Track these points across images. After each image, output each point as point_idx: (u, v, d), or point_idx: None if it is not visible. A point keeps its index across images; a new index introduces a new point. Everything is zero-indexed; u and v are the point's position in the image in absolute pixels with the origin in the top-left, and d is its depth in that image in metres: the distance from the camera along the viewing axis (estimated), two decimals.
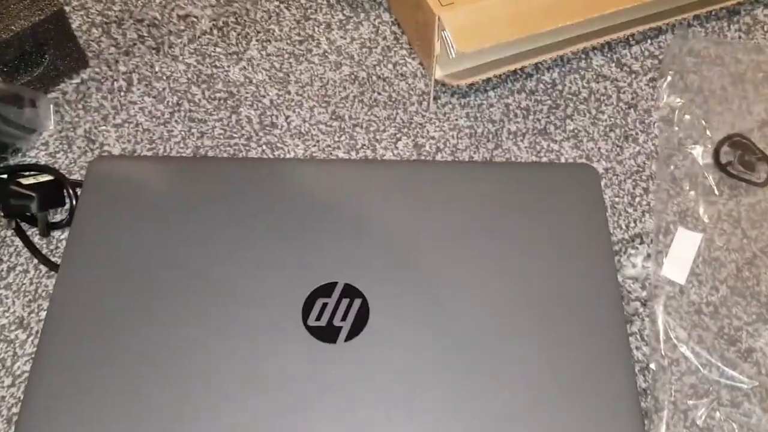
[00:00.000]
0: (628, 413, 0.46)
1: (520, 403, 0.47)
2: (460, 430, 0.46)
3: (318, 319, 0.49)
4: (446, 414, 0.46)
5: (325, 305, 0.50)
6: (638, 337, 0.53)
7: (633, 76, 0.65)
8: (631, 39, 0.67)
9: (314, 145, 0.62)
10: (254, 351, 0.48)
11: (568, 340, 0.49)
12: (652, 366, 0.52)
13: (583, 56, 0.66)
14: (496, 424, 0.46)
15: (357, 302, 0.50)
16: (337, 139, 0.62)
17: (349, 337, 0.49)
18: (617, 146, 0.61)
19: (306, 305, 0.50)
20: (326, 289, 0.50)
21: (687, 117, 0.62)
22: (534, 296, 0.51)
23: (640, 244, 0.57)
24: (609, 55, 0.66)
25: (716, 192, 0.58)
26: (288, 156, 0.62)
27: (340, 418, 0.46)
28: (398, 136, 0.62)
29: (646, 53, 0.66)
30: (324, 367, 0.48)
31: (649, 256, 0.56)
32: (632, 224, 0.58)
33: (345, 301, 0.50)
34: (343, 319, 0.49)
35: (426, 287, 0.51)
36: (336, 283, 0.51)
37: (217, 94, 0.64)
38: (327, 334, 0.49)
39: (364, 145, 0.62)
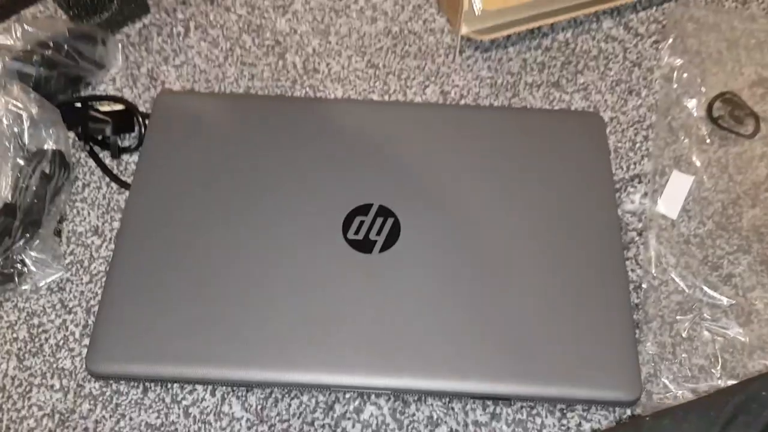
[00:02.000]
0: (621, 321, 0.54)
1: (529, 311, 0.54)
2: (476, 332, 0.53)
3: (356, 233, 0.57)
4: (464, 316, 0.54)
5: (362, 222, 0.57)
6: (633, 261, 0.61)
7: (638, 38, 0.72)
8: (638, 5, 0.74)
9: (351, 89, 0.69)
10: (302, 258, 0.56)
11: (574, 259, 0.57)
12: (644, 285, 0.59)
13: (595, 19, 0.73)
14: (507, 327, 0.54)
15: (390, 221, 0.58)
16: (372, 84, 0.69)
17: (382, 249, 0.56)
18: (622, 99, 0.68)
19: (346, 221, 0.57)
20: (363, 209, 0.58)
21: (685, 75, 0.69)
22: (545, 222, 0.58)
23: (639, 183, 0.64)
24: (617, 19, 0.73)
25: (708, 141, 0.66)
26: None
27: (372, 314, 0.54)
28: (426, 83, 0.69)
29: (651, 18, 0.74)
30: (360, 273, 0.56)
31: (645, 194, 0.64)
32: (632, 166, 0.65)
33: (379, 220, 0.58)
34: (378, 234, 0.57)
35: (449, 211, 0.59)
36: (372, 204, 0.58)
37: (266, 42, 0.72)
38: (364, 245, 0.56)
39: (396, 90, 0.69)
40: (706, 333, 0.57)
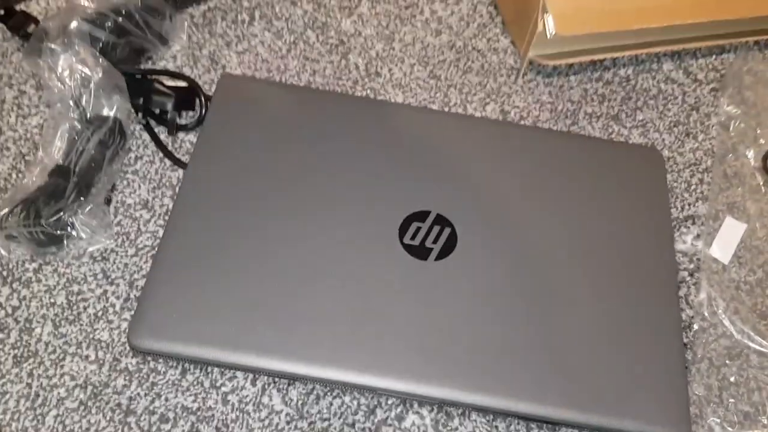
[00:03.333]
0: (673, 357, 0.53)
1: (581, 337, 0.54)
2: (527, 351, 0.52)
3: (412, 239, 0.56)
4: (515, 334, 0.53)
5: (418, 228, 0.57)
6: (684, 301, 0.60)
7: (697, 83, 0.73)
8: (698, 52, 0.75)
9: (412, 97, 0.69)
10: (356, 256, 0.55)
11: (628, 291, 0.56)
12: (695, 326, 0.59)
13: (656, 60, 0.74)
14: (559, 352, 0.53)
15: (447, 230, 0.57)
16: (432, 95, 0.69)
17: (438, 258, 0.55)
18: (679, 140, 0.69)
19: (402, 226, 0.56)
20: (421, 216, 0.57)
21: (741, 125, 0.70)
22: (601, 251, 0.58)
23: (692, 224, 0.64)
24: (677, 63, 0.74)
25: (762, 191, 0.66)
26: None
27: (423, 321, 0.53)
28: (487, 101, 0.69)
29: (710, 66, 0.74)
30: (414, 278, 0.55)
31: (698, 235, 0.63)
32: (687, 207, 0.65)
33: (436, 228, 0.57)
34: (434, 242, 0.56)
35: (507, 227, 0.58)
36: (429, 211, 0.57)
37: (330, 40, 0.71)
38: (420, 252, 0.55)
39: (456, 103, 0.69)
40: (752, 381, 0.57)
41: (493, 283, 0.55)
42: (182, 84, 0.64)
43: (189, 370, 0.53)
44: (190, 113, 0.64)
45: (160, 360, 0.53)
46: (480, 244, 0.57)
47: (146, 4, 0.63)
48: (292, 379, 0.53)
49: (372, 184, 0.59)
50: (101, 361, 0.53)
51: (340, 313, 0.52)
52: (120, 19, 0.61)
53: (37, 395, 0.51)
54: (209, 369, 0.53)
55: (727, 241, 0.63)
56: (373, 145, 0.61)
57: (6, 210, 0.54)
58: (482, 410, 0.53)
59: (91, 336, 0.54)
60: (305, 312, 0.52)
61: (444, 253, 0.56)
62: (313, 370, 0.51)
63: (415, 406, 0.54)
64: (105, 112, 0.59)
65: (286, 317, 0.52)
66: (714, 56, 0.75)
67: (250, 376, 0.53)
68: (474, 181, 0.60)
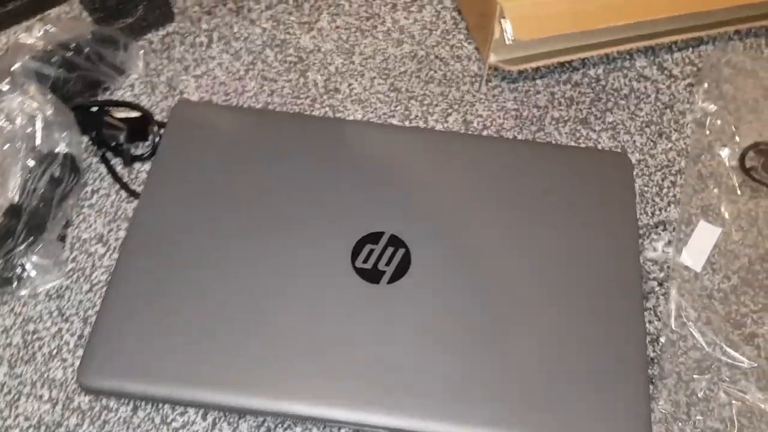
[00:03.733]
0: (635, 375, 0.51)
1: (538, 357, 0.52)
2: (480, 376, 0.51)
3: (365, 261, 0.55)
4: (469, 358, 0.52)
5: (371, 251, 0.55)
6: (652, 312, 0.58)
7: (672, 79, 0.70)
8: (674, 46, 0.72)
9: (372, 112, 0.67)
10: (307, 284, 0.54)
11: (590, 305, 0.54)
12: (662, 339, 0.57)
13: (628, 57, 0.71)
14: (516, 372, 0.51)
15: (400, 252, 0.55)
16: (393, 108, 0.68)
17: (391, 281, 0.54)
18: (651, 141, 0.66)
19: (355, 249, 0.55)
20: (374, 237, 0.56)
21: (718, 122, 0.67)
22: (562, 265, 0.56)
23: (663, 230, 0.62)
24: (652, 59, 0.71)
25: (738, 192, 0.63)
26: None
27: (376, 348, 0.52)
28: (449, 111, 0.68)
29: (686, 60, 0.71)
30: (367, 303, 0.53)
31: (670, 242, 0.61)
32: (657, 212, 0.63)
33: (390, 249, 0.56)
34: (387, 264, 0.55)
35: (463, 245, 0.56)
36: (383, 233, 0.56)
37: (288, 58, 0.70)
38: (372, 275, 0.54)
39: (417, 116, 0.67)
40: (723, 395, 0.54)
41: (447, 305, 0.54)
42: (135, 114, 0.63)
43: (140, 406, 0.53)
44: (148, 143, 0.64)
45: (112, 397, 0.53)
46: (434, 265, 0.55)
47: (98, 37, 0.63)
48: (242, 413, 0.53)
49: (326, 207, 0.58)
50: (54, 401, 0.53)
51: (290, 343, 0.52)
52: (69, 54, 0.61)
53: None
54: (160, 405, 0.53)
55: (699, 247, 0.61)
56: (328, 165, 0.60)
57: None
58: None
59: (45, 375, 0.54)
60: (253, 343, 0.52)
61: (397, 275, 0.55)
62: (262, 402, 0.50)
63: None
64: (57, 148, 0.59)
65: (234, 349, 0.51)
66: (691, 49, 0.72)
67: (201, 411, 0.53)
68: (429, 199, 0.59)
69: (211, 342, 0.51)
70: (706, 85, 0.69)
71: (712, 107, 0.68)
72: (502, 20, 0.64)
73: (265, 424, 0.53)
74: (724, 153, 0.65)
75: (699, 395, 0.55)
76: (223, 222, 0.57)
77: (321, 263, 0.55)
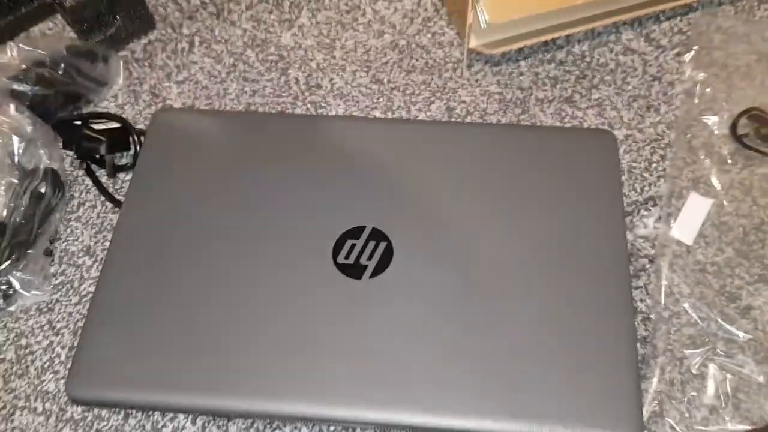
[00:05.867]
0: (625, 355, 0.50)
1: (526, 343, 0.51)
2: (470, 362, 0.51)
3: (347, 257, 0.55)
4: (456, 347, 0.51)
5: (353, 246, 0.55)
6: (643, 290, 0.57)
7: (660, 50, 0.68)
8: (661, 15, 0.70)
9: (354, 105, 0.67)
10: (290, 283, 0.54)
11: (576, 286, 0.53)
12: (653, 316, 0.55)
13: (614, 30, 0.69)
14: (502, 359, 0.50)
15: (382, 245, 0.55)
16: (375, 100, 0.67)
17: (373, 275, 0.54)
18: (639, 115, 0.65)
19: (336, 245, 0.55)
20: (355, 232, 0.56)
21: (708, 90, 0.65)
22: (548, 248, 0.55)
23: (653, 206, 0.60)
24: (639, 30, 0.69)
25: (730, 161, 0.61)
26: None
27: (360, 344, 0.51)
28: (432, 99, 0.67)
29: (675, 29, 0.69)
30: (350, 299, 0.53)
31: (660, 218, 0.60)
32: (647, 188, 0.61)
33: (372, 243, 0.55)
34: (369, 258, 0.55)
35: (446, 234, 0.56)
36: (364, 227, 0.56)
37: (269, 57, 0.70)
38: (354, 271, 0.54)
39: (400, 106, 0.67)
40: (718, 370, 0.53)
41: (431, 296, 0.53)
42: (115, 125, 0.64)
43: (131, 414, 0.54)
44: (130, 152, 0.64)
45: (103, 407, 0.54)
46: (417, 257, 0.55)
47: (74, 51, 0.64)
48: (231, 415, 0.53)
49: (307, 204, 0.58)
50: (48, 413, 0.54)
51: (274, 342, 0.52)
52: (45, 71, 0.62)
53: None
54: (150, 412, 0.54)
55: (690, 220, 0.59)
56: (309, 163, 0.60)
57: None
58: (425, 431, 0.52)
59: (38, 388, 0.55)
60: (238, 345, 0.52)
61: (379, 269, 0.54)
62: (249, 404, 0.50)
63: (358, 431, 0.53)
64: (40, 164, 0.60)
65: (219, 353, 0.51)
66: (679, 18, 0.70)
67: (191, 415, 0.54)
68: (411, 190, 0.58)
69: (196, 346, 0.52)
70: (694, 52, 0.67)
71: (702, 75, 0.66)
72: (476, 4, 0.63)
73: (254, 426, 0.53)
74: (714, 121, 0.63)
75: (693, 371, 0.53)
76: (204, 225, 0.57)
77: (302, 262, 0.55)
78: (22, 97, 0.61)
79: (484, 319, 0.52)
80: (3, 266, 0.55)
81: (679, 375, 0.53)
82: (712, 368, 0.53)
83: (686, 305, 0.56)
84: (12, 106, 0.59)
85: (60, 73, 0.63)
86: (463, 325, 0.52)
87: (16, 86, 0.60)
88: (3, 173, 0.58)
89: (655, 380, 0.53)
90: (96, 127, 0.63)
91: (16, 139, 0.58)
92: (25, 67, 0.61)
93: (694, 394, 0.52)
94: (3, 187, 0.58)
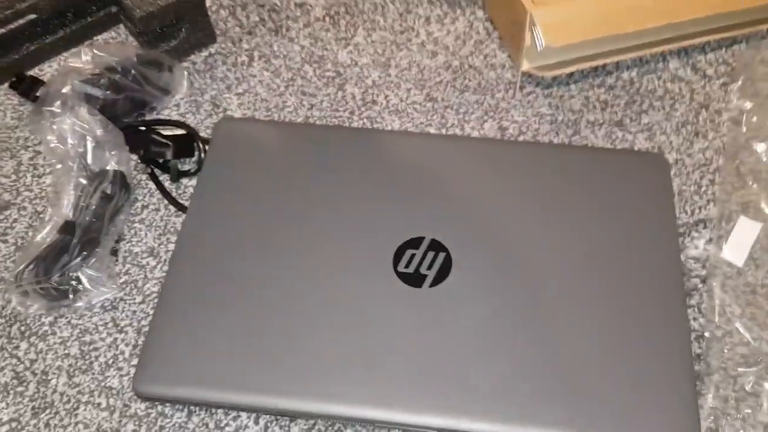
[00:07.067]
0: (681, 371, 0.51)
1: (583, 356, 0.52)
2: (528, 373, 0.52)
3: (407, 266, 0.56)
4: (514, 358, 0.52)
5: (413, 255, 0.57)
6: (696, 309, 0.58)
7: (706, 79, 0.70)
8: (706, 46, 0.72)
9: (409, 122, 0.69)
10: (351, 289, 0.55)
11: (633, 305, 0.54)
12: (707, 335, 0.57)
13: (661, 59, 0.72)
14: (561, 372, 0.52)
15: (441, 255, 0.57)
16: (429, 117, 0.69)
17: (433, 284, 0.55)
18: (687, 141, 0.66)
19: (397, 254, 0.57)
20: (415, 242, 0.57)
21: (755, 119, 0.67)
22: (603, 265, 0.56)
23: (703, 228, 0.62)
24: (685, 60, 0.72)
25: None
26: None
27: (421, 350, 0.53)
28: (485, 118, 0.69)
29: (720, 60, 0.72)
30: (409, 307, 0.55)
31: (710, 240, 0.61)
32: (697, 211, 0.63)
33: (431, 254, 0.57)
34: (429, 268, 0.56)
35: (503, 249, 0.57)
36: (423, 237, 0.57)
37: (326, 73, 0.72)
38: (414, 279, 0.55)
39: (454, 124, 0.69)
40: None
41: (489, 306, 0.55)
42: (181, 132, 0.66)
43: (194, 411, 0.55)
44: (194, 159, 0.66)
45: (167, 404, 0.55)
46: (475, 268, 0.56)
47: (143, 60, 0.66)
48: (293, 416, 0.54)
49: (367, 215, 0.59)
50: (112, 408, 0.55)
51: (336, 346, 0.53)
52: (116, 76, 0.64)
53: None
54: (214, 410, 0.55)
55: (740, 242, 0.61)
56: (368, 174, 0.61)
57: (20, 267, 0.57)
58: None
59: (102, 384, 0.56)
60: (302, 348, 0.53)
61: (439, 279, 0.56)
62: (312, 405, 0.52)
63: None
64: (107, 166, 0.61)
65: (283, 354, 0.53)
66: (724, 49, 0.72)
67: (254, 415, 0.54)
68: (468, 203, 0.60)
69: (260, 347, 0.53)
70: (740, 83, 0.69)
71: (748, 104, 0.68)
72: (534, 28, 0.65)
73: (316, 427, 0.54)
74: (762, 148, 0.65)
75: (747, 389, 0.54)
76: (268, 233, 0.58)
77: (364, 269, 0.56)
78: (93, 101, 0.62)
79: (542, 333, 0.54)
80: (74, 262, 0.56)
81: (733, 392, 0.54)
82: (767, 386, 0.54)
83: (738, 325, 0.57)
84: (85, 109, 0.60)
85: (129, 79, 0.64)
86: (520, 337, 0.53)
87: (89, 90, 0.62)
88: (74, 173, 0.60)
89: (710, 397, 0.54)
90: (163, 132, 0.65)
91: (88, 141, 0.60)
92: (98, 71, 0.63)
93: (748, 411, 0.53)
94: (74, 188, 0.60)
